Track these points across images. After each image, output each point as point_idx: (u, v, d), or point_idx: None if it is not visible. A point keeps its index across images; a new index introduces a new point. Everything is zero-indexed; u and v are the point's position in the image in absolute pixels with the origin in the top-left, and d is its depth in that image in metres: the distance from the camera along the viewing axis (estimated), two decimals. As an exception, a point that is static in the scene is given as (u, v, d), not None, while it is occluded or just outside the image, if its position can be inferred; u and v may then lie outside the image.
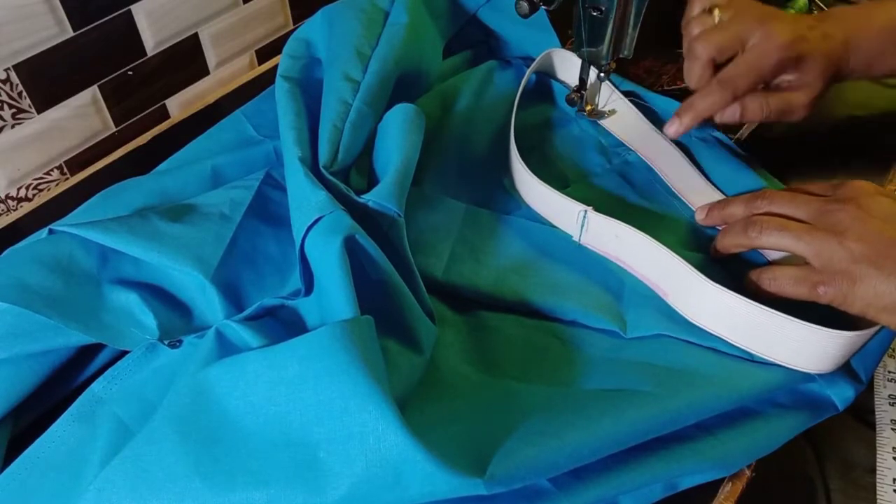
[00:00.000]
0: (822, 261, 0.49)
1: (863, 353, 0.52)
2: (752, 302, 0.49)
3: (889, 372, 0.73)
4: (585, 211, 0.58)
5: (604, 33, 0.63)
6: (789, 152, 0.65)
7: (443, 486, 0.38)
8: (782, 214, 0.53)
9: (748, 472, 0.49)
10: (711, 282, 0.51)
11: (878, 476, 0.66)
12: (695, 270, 0.52)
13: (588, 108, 0.72)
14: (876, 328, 0.48)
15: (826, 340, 0.48)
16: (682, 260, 0.53)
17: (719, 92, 0.60)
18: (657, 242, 0.54)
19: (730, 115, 0.61)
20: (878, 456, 0.67)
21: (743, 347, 0.51)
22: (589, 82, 0.71)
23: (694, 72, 0.61)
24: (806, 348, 0.49)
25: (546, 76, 0.76)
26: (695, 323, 0.53)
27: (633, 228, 0.55)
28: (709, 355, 0.52)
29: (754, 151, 0.68)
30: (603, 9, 0.62)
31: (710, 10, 0.63)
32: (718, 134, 0.69)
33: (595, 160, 0.69)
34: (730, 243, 0.55)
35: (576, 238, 0.60)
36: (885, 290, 0.46)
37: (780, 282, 0.51)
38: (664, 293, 0.55)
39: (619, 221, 0.56)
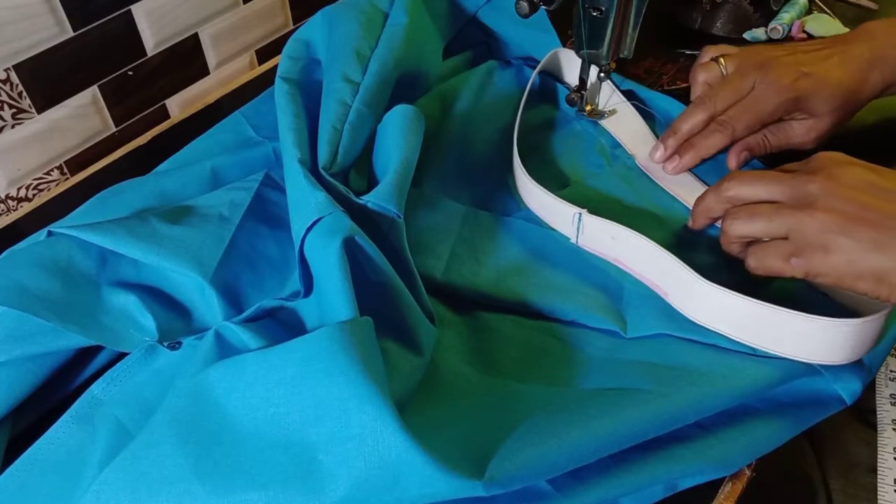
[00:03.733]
0: (795, 235, 0.49)
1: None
2: (748, 298, 0.49)
3: (891, 371, 0.73)
4: (580, 213, 0.58)
5: (604, 33, 0.63)
6: (789, 153, 0.65)
7: (441, 487, 0.38)
8: (754, 197, 0.53)
9: (748, 472, 0.49)
10: (707, 280, 0.51)
11: (878, 476, 0.65)
12: (690, 269, 0.52)
13: (588, 108, 0.72)
14: (883, 312, 0.48)
15: (830, 330, 0.48)
16: (677, 259, 0.53)
17: (718, 133, 0.62)
18: (653, 243, 0.54)
19: (740, 157, 0.64)
20: (878, 456, 0.67)
21: (749, 344, 0.51)
22: (589, 82, 0.71)
23: (694, 120, 0.64)
24: (812, 341, 0.48)
25: (549, 76, 0.76)
26: (696, 322, 0.52)
27: (629, 229, 0.55)
28: (709, 353, 0.51)
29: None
30: (603, 9, 0.62)
31: (716, 59, 0.65)
32: None
33: (595, 161, 0.69)
34: (724, 247, 0.55)
35: (573, 240, 0.60)
36: (858, 257, 0.46)
37: (759, 259, 0.51)
38: (664, 293, 0.55)
39: (614, 223, 0.56)
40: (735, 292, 0.49)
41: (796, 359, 0.49)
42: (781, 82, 0.60)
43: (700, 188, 0.64)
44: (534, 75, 0.72)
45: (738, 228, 0.52)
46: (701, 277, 0.51)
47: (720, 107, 0.62)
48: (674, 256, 0.53)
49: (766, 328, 0.49)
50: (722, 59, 0.65)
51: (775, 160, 0.62)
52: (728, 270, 0.56)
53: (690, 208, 0.64)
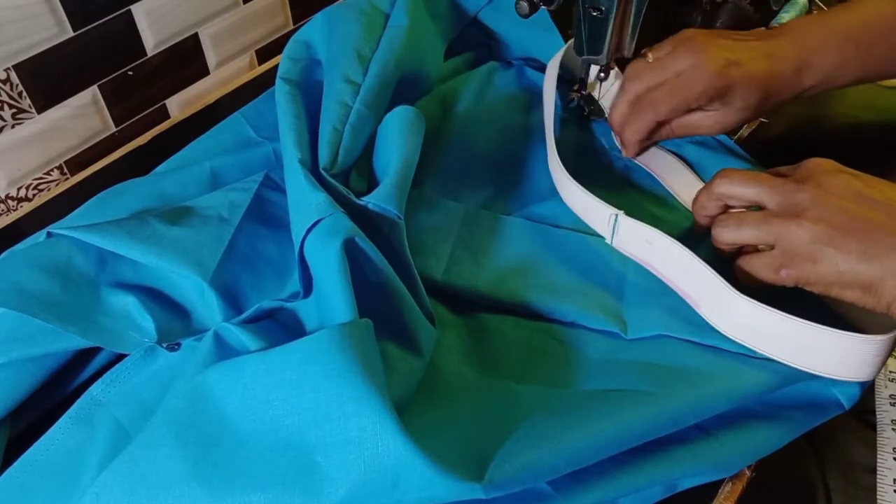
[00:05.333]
0: (783, 244, 0.49)
1: None
2: (784, 314, 0.48)
3: (890, 372, 0.73)
4: (616, 215, 0.57)
5: (604, 33, 0.63)
6: (788, 153, 0.65)
7: (440, 490, 0.38)
8: (743, 197, 0.53)
9: (748, 472, 0.49)
10: (744, 296, 0.49)
11: (878, 476, 0.65)
12: (725, 282, 0.51)
13: (588, 108, 0.72)
14: None
15: (863, 346, 0.47)
16: (712, 270, 0.52)
17: (640, 114, 0.61)
18: (689, 251, 0.53)
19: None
20: (878, 456, 0.67)
21: (779, 360, 0.50)
22: (588, 82, 0.71)
23: (618, 109, 0.63)
24: (845, 356, 0.48)
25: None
26: (727, 335, 0.51)
27: (665, 235, 0.55)
28: (709, 354, 0.51)
29: (753, 152, 0.68)
30: (603, 9, 0.61)
31: (644, 54, 0.64)
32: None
33: (596, 160, 0.69)
34: (717, 245, 0.55)
35: (608, 241, 0.60)
36: (847, 268, 0.46)
37: (749, 269, 0.51)
38: (695, 303, 0.54)
39: (651, 227, 0.56)
40: (771, 308, 0.49)
41: (830, 376, 0.49)
42: (710, 68, 0.58)
43: (690, 177, 0.64)
44: (553, 71, 0.71)
45: (727, 235, 0.53)
46: (736, 291, 0.50)
47: (642, 88, 0.61)
48: (709, 267, 0.52)
49: (799, 345, 0.49)
50: (649, 53, 0.63)
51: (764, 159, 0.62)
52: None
53: (678, 196, 0.64)
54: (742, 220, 0.52)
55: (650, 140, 0.64)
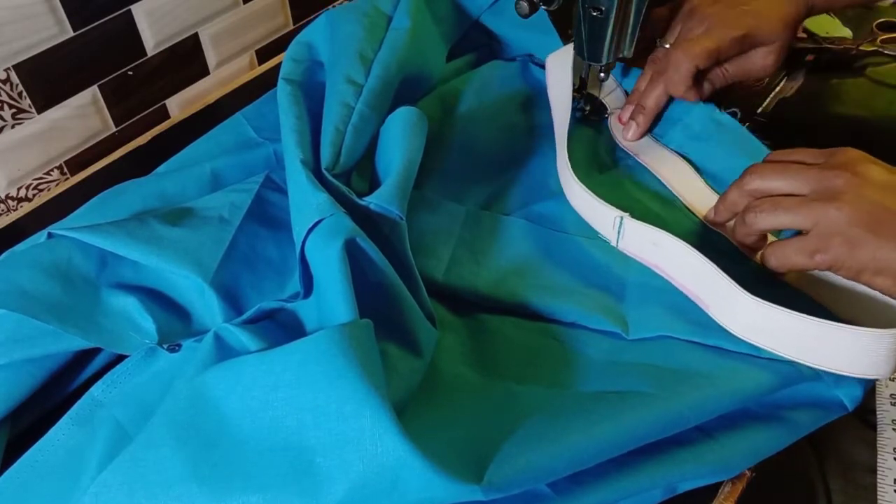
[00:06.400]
0: (820, 228, 0.49)
1: None
2: (794, 313, 0.48)
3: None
4: (622, 217, 0.57)
5: (604, 33, 0.63)
6: (791, 129, 0.65)
7: (439, 491, 0.38)
8: (777, 190, 0.53)
9: (748, 473, 0.49)
10: (753, 296, 0.49)
11: (878, 476, 0.65)
12: (733, 282, 0.50)
13: (588, 107, 0.72)
14: None
15: (878, 342, 0.47)
16: (722, 272, 0.51)
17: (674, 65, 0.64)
18: (698, 252, 0.53)
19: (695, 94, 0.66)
20: (878, 456, 0.67)
21: (794, 359, 0.49)
22: (589, 82, 0.71)
23: (680, 82, 0.65)
24: (859, 354, 0.48)
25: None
26: (739, 336, 0.51)
27: (672, 237, 0.54)
28: (710, 355, 0.51)
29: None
30: (603, 9, 0.61)
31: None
32: (722, 116, 0.68)
33: (597, 160, 0.69)
34: (740, 238, 0.56)
35: (613, 243, 0.59)
36: (882, 254, 0.47)
37: (781, 256, 0.51)
38: (705, 305, 0.53)
39: (657, 229, 0.55)
40: (781, 307, 0.48)
41: (842, 373, 0.49)
42: (728, 20, 0.63)
43: (702, 186, 0.64)
44: (559, 73, 0.71)
45: (763, 221, 0.52)
46: (745, 291, 0.50)
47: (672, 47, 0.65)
48: (717, 268, 0.52)
49: (811, 342, 0.48)
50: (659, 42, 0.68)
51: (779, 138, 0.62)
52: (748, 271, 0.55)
53: (692, 208, 0.63)
54: (777, 205, 0.51)
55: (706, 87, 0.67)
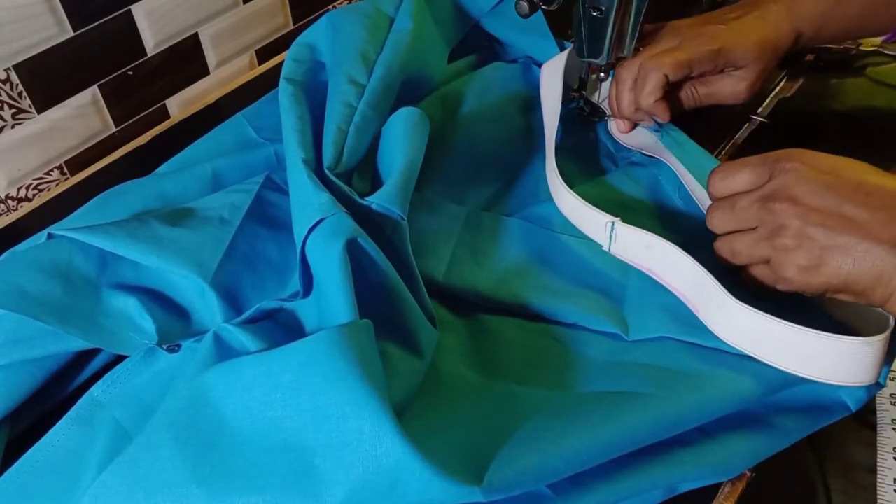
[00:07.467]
0: (773, 264, 0.49)
1: None
2: (782, 321, 0.48)
3: (890, 371, 0.73)
4: (613, 222, 0.57)
5: (604, 33, 0.63)
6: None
7: (439, 493, 0.38)
8: (732, 229, 0.53)
9: (748, 473, 0.49)
10: (740, 302, 0.49)
11: (878, 476, 0.65)
12: (724, 289, 0.50)
13: (587, 109, 0.72)
14: None
15: (862, 349, 0.47)
16: (712, 277, 0.51)
17: (647, 76, 0.63)
18: (689, 256, 0.53)
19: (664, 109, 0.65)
20: (878, 456, 0.67)
21: (778, 367, 0.49)
22: (589, 83, 0.71)
23: (650, 93, 0.64)
24: (842, 361, 0.48)
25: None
26: (725, 341, 0.51)
27: (664, 241, 0.54)
28: (712, 357, 0.51)
29: (751, 153, 0.67)
30: (603, 9, 0.61)
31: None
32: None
33: (600, 162, 0.69)
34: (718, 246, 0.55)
35: (606, 248, 0.59)
36: (837, 276, 0.47)
37: (752, 286, 0.52)
38: (695, 308, 0.54)
39: (649, 233, 0.55)
40: (769, 315, 0.48)
41: (832, 383, 0.48)
42: (704, 35, 0.63)
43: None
44: (551, 78, 0.71)
45: (734, 261, 0.53)
46: (734, 299, 0.49)
47: (643, 56, 0.64)
48: (709, 273, 0.51)
49: (797, 351, 0.48)
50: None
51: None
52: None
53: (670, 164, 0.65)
54: (736, 255, 0.52)
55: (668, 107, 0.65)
